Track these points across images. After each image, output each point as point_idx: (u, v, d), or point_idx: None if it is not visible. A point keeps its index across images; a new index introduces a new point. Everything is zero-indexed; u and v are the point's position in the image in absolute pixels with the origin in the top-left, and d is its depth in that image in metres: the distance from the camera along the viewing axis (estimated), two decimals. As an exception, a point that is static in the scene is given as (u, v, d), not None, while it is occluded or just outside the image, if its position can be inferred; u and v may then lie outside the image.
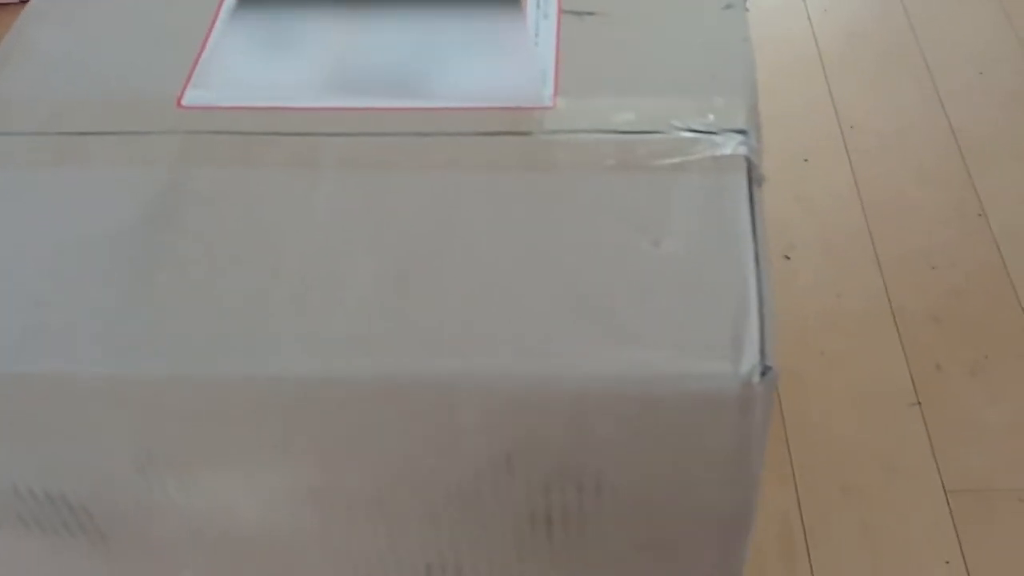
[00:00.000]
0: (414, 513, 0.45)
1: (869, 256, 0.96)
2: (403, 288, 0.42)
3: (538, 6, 0.54)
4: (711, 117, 0.48)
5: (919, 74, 1.14)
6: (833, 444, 0.83)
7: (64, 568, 0.50)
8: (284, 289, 0.42)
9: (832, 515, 0.79)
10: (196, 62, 0.51)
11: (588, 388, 0.40)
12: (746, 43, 0.52)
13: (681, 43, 0.52)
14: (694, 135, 0.47)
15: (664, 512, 0.45)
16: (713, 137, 0.47)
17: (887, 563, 0.76)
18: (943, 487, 0.80)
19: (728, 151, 0.46)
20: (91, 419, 0.42)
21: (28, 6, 0.55)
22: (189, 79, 0.50)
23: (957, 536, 0.77)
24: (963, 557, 0.76)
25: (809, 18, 1.21)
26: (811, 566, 0.75)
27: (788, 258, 0.95)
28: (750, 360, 0.38)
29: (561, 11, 0.54)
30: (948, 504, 0.79)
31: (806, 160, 1.04)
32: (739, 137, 0.47)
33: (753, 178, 0.45)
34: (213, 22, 0.54)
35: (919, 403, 0.85)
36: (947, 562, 0.76)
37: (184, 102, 0.49)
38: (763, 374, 0.38)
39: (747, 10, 0.55)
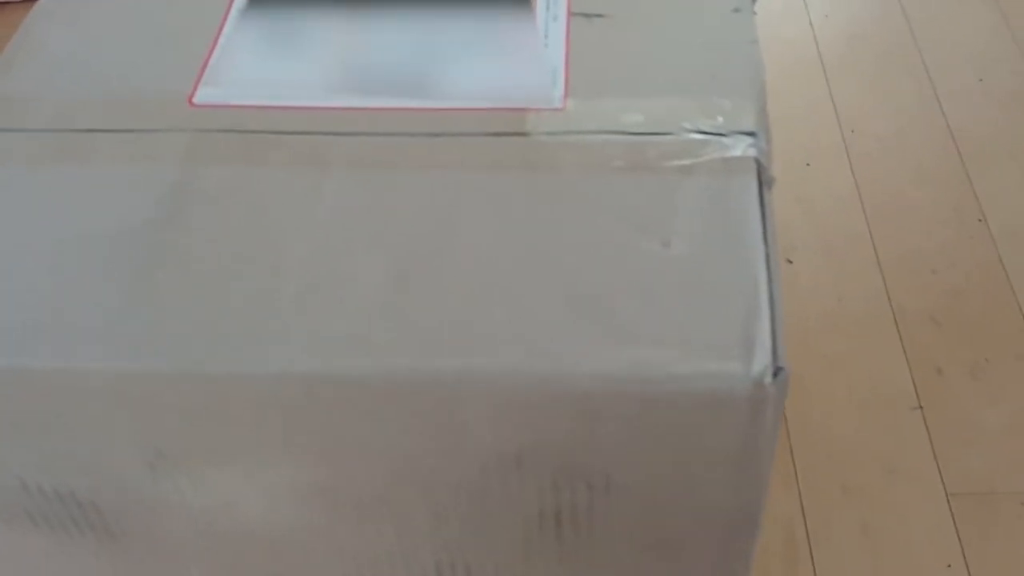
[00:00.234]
0: (420, 511, 0.45)
1: (870, 258, 0.96)
2: (406, 287, 0.42)
3: (547, 8, 0.54)
4: (720, 119, 0.48)
5: (918, 76, 1.14)
6: (834, 445, 0.83)
7: (72, 565, 0.50)
8: (287, 287, 0.42)
9: (834, 517, 0.79)
10: (207, 60, 0.51)
11: (595, 387, 0.40)
12: (754, 46, 0.52)
13: (689, 45, 0.52)
14: (703, 137, 0.47)
15: (672, 512, 0.45)
16: (722, 139, 0.47)
17: (889, 565, 0.76)
18: (944, 490, 0.80)
19: (738, 153, 0.46)
20: (96, 415, 0.42)
21: (36, 5, 0.55)
22: (200, 77, 0.50)
23: (959, 539, 0.77)
24: (965, 560, 0.76)
25: (811, 22, 1.21)
26: (814, 568, 0.76)
27: (790, 261, 0.95)
28: (762, 361, 0.39)
29: (570, 13, 0.54)
30: (950, 507, 0.79)
31: (808, 164, 1.04)
32: (748, 139, 0.47)
33: (763, 180, 0.46)
34: (223, 21, 0.54)
35: (920, 407, 0.85)
36: (949, 565, 0.76)
37: (196, 100, 0.49)
38: (775, 375, 0.38)
39: (755, 13, 0.55)
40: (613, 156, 0.47)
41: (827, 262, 0.96)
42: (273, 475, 0.44)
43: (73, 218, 0.45)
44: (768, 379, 0.38)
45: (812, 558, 0.76)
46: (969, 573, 0.75)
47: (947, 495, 0.80)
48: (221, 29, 0.53)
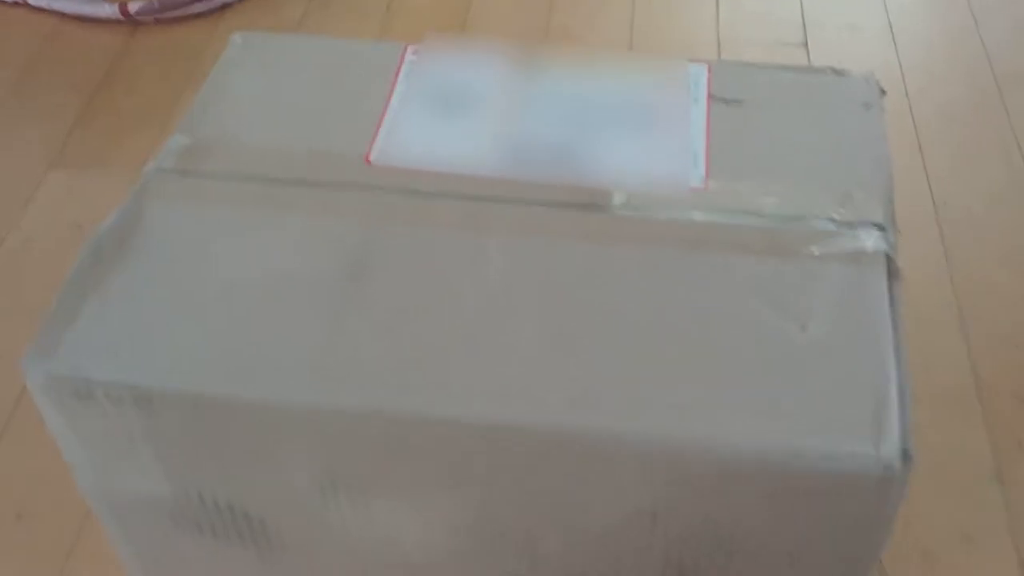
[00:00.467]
0: (557, 550, 0.49)
1: (955, 330, 0.99)
2: (567, 348, 0.46)
3: (689, 91, 0.59)
4: (852, 209, 0.52)
5: (1010, 153, 1.17)
6: (913, 510, 0.86)
7: (225, 572, 0.54)
8: (460, 340, 0.47)
9: (910, 580, 0.82)
10: (381, 120, 0.56)
11: (734, 456, 0.44)
12: (883, 142, 0.56)
13: (822, 136, 0.56)
14: (835, 225, 0.51)
15: None
16: (854, 230, 0.51)
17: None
18: (1019, 562, 0.82)
19: (869, 246, 0.50)
20: (283, 441, 0.47)
21: (224, 54, 0.61)
22: (375, 137, 0.55)
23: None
24: (1036, 633, 0.78)
25: (907, 93, 1.24)
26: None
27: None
28: (891, 444, 0.42)
29: (711, 97, 0.58)
30: (1024, 580, 0.81)
31: (899, 231, 1.07)
32: (878, 233, 0.51)
33: (891, 272, 0.49)
34: (395, 80, 0.59)
35: (1000, 481, 0.88)
36: (1019, 636, 0.78)
37: (372, 159, 0.54)
38: (903, 458, 0.42)
39: (884, 110, 0.59)
40: (752, 239, 0.51)
41: (915, 331, 0.98)
42: (433, 510, 0.49)
43: (273, 263, 0.50)
44: (896, 462, 0.42)
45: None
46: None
47: (1020, 564, 0.82)
48: (393, 88, 0.58)
